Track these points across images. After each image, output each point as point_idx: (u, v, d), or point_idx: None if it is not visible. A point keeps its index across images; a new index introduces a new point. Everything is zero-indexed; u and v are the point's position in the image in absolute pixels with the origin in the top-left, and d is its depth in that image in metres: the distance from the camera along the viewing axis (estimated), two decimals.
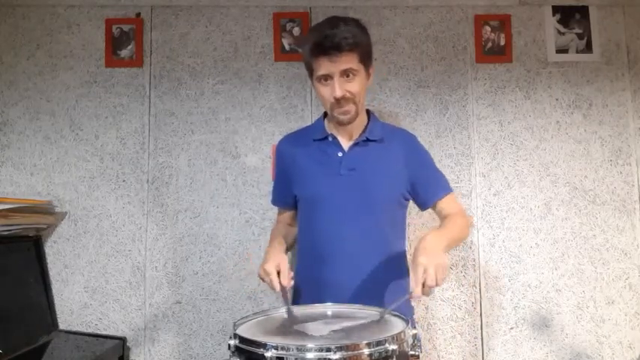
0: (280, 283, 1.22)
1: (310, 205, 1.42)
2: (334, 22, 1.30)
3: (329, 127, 1.45)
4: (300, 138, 1.50)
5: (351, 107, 1.34)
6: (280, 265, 1.24)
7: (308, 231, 1.43)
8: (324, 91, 1.33)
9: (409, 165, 1.41)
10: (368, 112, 1.47)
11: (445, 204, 1.43)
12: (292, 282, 1.27)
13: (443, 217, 1.42)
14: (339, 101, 1.31)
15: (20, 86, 1.99)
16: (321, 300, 1.26)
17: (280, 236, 1.46)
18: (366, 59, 1.34)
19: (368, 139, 1.40)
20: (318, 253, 1.38)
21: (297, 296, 1.46)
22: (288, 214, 1.56)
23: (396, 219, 1.43)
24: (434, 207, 1.45)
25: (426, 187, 1.43)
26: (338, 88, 1.29)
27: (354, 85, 1.32)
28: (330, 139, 1.42)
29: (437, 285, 1.07)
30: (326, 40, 1.27)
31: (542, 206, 1.96)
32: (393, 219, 1.41)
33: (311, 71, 1.35)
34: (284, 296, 1.23)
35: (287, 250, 1.48)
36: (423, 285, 1.07)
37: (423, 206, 1.47)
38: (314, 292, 1.35)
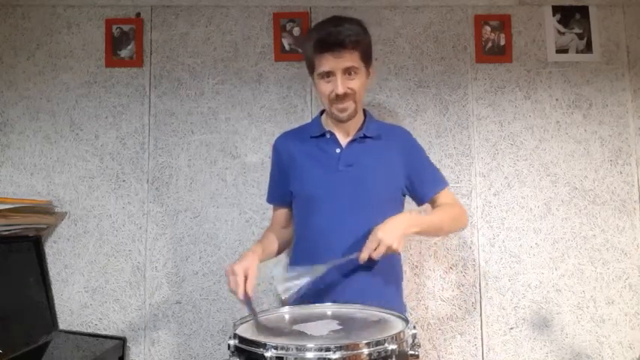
0: (245, 291, 1.17)
1: (307, 201, 1.42)
2: (337, 20, 1.34)
3: (326, 124, 1.46)
4: (297, 135, 1.51)
5: (350, 104, 1.36)
6: (249, 271, 1.20)
7: (304, 227, 1.44)
8: (325, 87, 1.35)
9: (406, 160, 1.43)
10: (364, 110, 1.50)
11: (442, 199, 1.46)
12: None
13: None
14: (339, 97, 1.34)
15: (20, 86, 1.99)
16: (316, 296, 1.26)
17: (267, 240, 1.46)
18: (366, 58, 1.37)
19: (365, 136, 1.42)
20: (315, 248, 1.37)
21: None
22: (282, 214, 1.55)
23: (393, 214, 1.43)
24: (431, 202, 1.47)
25: (423, 182, 1.45)
26: (340, 85, 1.32)
27: (356, 83, 1.34)
28: (327, 135, 1.44)
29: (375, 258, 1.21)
30: (330, 36, 1.29)
31: (542, 206, 1.96)
32: (390, 214, 1.41)
33: (312, 68, 1.37)
34: (247, 304, 1.17)
35: (278, 252, 1.50)
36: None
37: (420, 201, 1.49)
38: (310, 288, 1.35)
